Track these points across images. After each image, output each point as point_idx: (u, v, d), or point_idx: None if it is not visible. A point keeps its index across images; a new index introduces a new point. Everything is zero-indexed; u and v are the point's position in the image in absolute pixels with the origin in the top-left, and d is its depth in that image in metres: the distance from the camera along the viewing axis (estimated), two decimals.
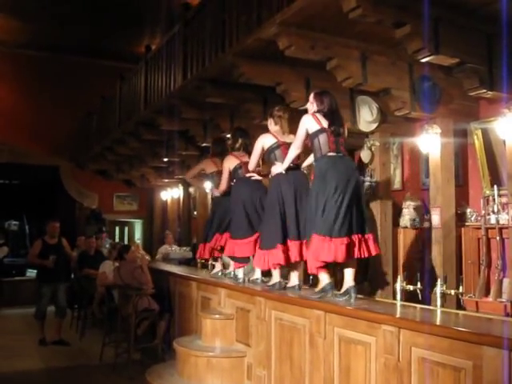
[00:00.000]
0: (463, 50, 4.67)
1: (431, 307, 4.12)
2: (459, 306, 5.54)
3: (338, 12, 4.47)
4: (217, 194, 6.11)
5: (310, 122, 4.36)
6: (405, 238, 6.82)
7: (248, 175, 5.46)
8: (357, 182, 4.28)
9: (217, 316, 5.51)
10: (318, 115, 4.37)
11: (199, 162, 7.28)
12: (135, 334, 6.99)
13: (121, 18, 11.72)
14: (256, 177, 5.42)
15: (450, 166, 5.82)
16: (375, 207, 6.44)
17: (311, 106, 4.46)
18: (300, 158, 4.87)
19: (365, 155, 6.41)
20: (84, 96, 13.83)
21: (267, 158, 5.06)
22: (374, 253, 4.29)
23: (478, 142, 6.03)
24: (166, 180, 12.73)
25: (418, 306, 4.21)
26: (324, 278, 4.38)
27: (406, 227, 6.81)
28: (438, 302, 3.95)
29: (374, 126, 6.24)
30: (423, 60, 4.62)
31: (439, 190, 5.76)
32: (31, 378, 6.85)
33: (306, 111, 4.51)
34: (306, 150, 4.64)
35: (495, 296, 5.57)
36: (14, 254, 14.43)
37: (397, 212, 6.82)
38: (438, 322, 3.49)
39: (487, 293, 5.73)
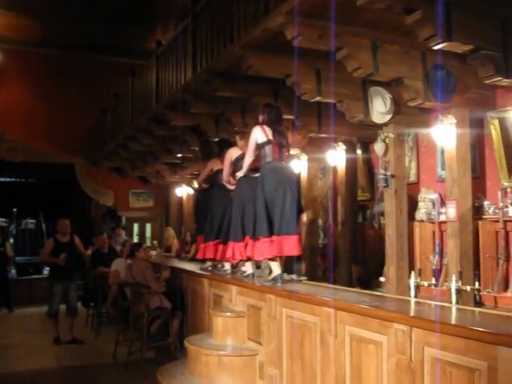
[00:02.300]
0: (477, 36, 4.48)
1: (446, 304, 3.97)
2: (476, 302, 5.37)
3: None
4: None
5: (259, 134, 5.04)
6: (421, 232, 6.68)
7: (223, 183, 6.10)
8: (292, 188, 4.93)
9: (228, 314, 5.42)
10: (265, 127, 5.05)
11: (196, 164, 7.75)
12: (148, 332, 6.94)
13: (132, 15, 11.69)
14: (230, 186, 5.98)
15: (466, 158, 5.63)
16: (390, 201, 6.27)
17: (260, 116, 5.16)
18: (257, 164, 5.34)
19: (379, 147, 6.23)
20: (97, 93, 13.82)
21: (235, 167, 5.80)
22: (296, 252, 4.97)
23: (494, 131, 5.83)
24: (180, 176, 12.64)
25: (433, 302, 4.06)
26: (275, 269, 5.00)
27: (422, 221, 6.66)
28: (454, 299, 3.80)
29: (388, 117, 6.04)
30: (435, 47, 4.43)
31: (455, 182, 5.57)
32: (45, 377, 6.87)
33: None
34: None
35: None
36: (31, 252, 14.50)
37: (412, 205, 6.66)
38: (452, 320, 3.35)
39: (506, 287, 5.57)
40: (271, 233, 4.89)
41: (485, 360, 2.74)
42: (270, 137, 5.02)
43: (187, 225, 13.87)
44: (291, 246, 4.89)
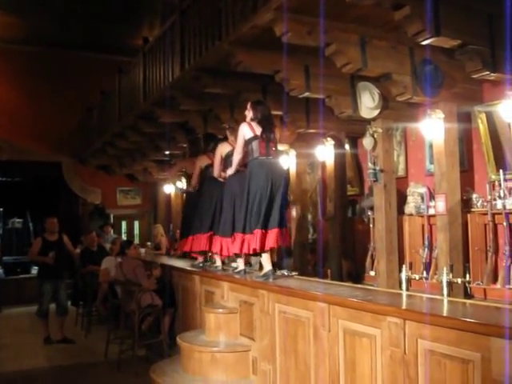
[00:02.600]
0: (465, 32, 4.52)
1: (438, 296, 4.02)
2: (467, 295, 5.44)
3: None
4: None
5: (246, 130, 5.12)
6: (410, 226, 6.73)
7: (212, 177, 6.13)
8: (280, 182, 5.01)
9: (220, 310, 5.44)
10: (252, 123, 5.13)
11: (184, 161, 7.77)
12: (139, 330, 6.92)
13: (118, 11, 11.59)
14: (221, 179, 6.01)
15: (455, 152, 5.67)
16: (379, 195, 6.31)
17: (248, 113, 5.22)
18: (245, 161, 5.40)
19: (367, 142, 6.27)
20: (84, 91, 13.74)
21: (225, 163, 5.86)
22: (283, 244, 5.14)
23: (482, 126, 5.89)
24: (169, 173, 12.61)
25: (424, 295, 4.11)
26: (267, 265, 5.06)
27: (411, 214, 6.71)
28: (445, 291, 3.85)
29: (376, 112, 6.08)
30: (424, 43, 4.47)
31: (444, 176, 5.62)
32: (37, 377, 6.83)
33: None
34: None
35: (503, 283, 5.47)
36: (18, 251, 14.40)
37: (401, 199, 6.70)
38: (444, 313, 3.39)
39: (495, 280, 5.63)
40: (261, 227, 4.92)
41: (478, 351, 2.78)
42: (257, 133, 5.09)
43: (176, 222, 13.82)
44: (281, 238, 4.98)
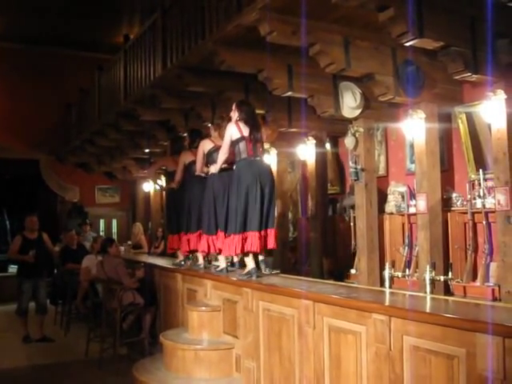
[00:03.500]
0: (447, 33, 4.58)
1: (420, 294, 4.09)
2: (447, 292, 5.53)
3: None
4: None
5: (234, 131, 5.09)
6: (390, 224, 6.81)
7: (196, 174, 6.09)
8: (263, 183, 5.00)
9: (203, 308, 5.45)
10: (240, 123, 5.10)
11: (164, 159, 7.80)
12: (121, 328, 6.90)
13: (97, 8, 11.48)
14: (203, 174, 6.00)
15: (435, 151, 5.76)
16: (360, 194, 6.38)
17: (234, 114, 5.19)
18: (232, 160, 5.39)
19: (349, 141, 6.33)
20: (62, 88, 13.62)
21: (207, 160, 5.87)
22: (271, 247, 5.11)
23: (462, 126, 5.99)
24: (148, 171, 12.57)
25: (407, 292, 4.18)
26: (250, 264, 5.07)
27: (392, 213, 6.79)
28: (428, 289, 3.91)
29: (358, 112, 6.15)
30: (407, 44, 4.53)
31: (425, 176, 5.70)
32: (17, 376, 6.75)
33: None
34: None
35: (482, 280, 5.57)
36: None
37: (382, 198, 6.78)
38: (428, 309, 3.45)
39: (474, 277, 5.73)
40: (246, 228, 4.95)
41: (463, 347, 2.83)
42: (245, 133, 5.08)
43: (155, 220, 13.79)
44: (270, 239, 5.03)
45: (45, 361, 7.34)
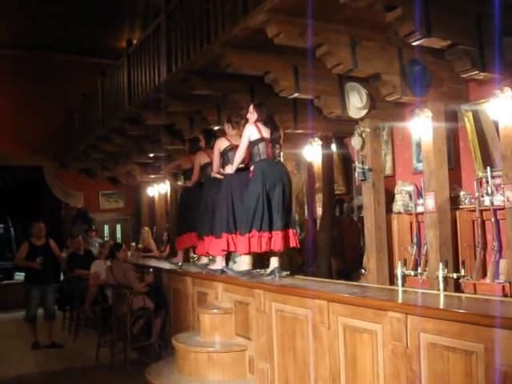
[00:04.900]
0: (455, 32, 4.60)
1: (434, 291, 4.10)
2: (457, 289, 5.54)
3: None
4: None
5: (252, 131, 5.09)
6: (398, 224, 6.83)
7: (213, 175, 5.98)
8: (284, 185, 5.03)
9: (215, 311, 5.45)
10: (259, 124, 5.09)
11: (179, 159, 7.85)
12: (131, 333, 6.91)
13: (98, 14, 11.49)
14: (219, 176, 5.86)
15: (443, 150, 5.78)
16: (368, 194, 6.40)
17: (251, 115, 5.17)
18: (247, 161, 5.39)
19: (356, 142, 6.36)
20: (65, 94, 13.60)
21: (222, 159, 5.78)
22: (292, 245, 5.14)
23: (469, 124, 6.01)
24: (153, 176, 12.58)
25: (420, 290, 4.19)
26: (273, 263, 5.10)
27: (400, 213, 6.81)
28: (441, 286, 3.92)
29: (364, 112, 6.18)
30: (415, 43, 4.54)
31: (433, 174, 5.72)
32: (28, 382, 6.74)
33: None
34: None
35: (492, 277, 5.58)
36: (0, 257, 14.24)
37: (389, 198, 6.79)
38: (444, 306, 3.46)
39: (484, 275, 5.74)
40: (268, 228, 4.94)
41: (481, 342, 2.84)
42: (265, 134, 5.07)
43: (159, 225, 13.82)
44: (292, 239, 5.04)
45: (55, 367, 7.34)
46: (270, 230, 4.95)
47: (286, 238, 5.04)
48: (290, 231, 5.11)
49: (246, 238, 5.00)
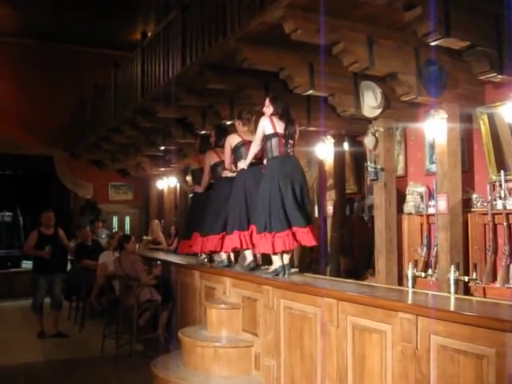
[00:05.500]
0: (474, 33, 4.55)
1: (444, 294, 4.07)
2: (466, 293, 5.51)
3: None
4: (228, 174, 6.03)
5: (267, 125, 5.02)
6: (409, 225, 6.79)
7: (224, 172, 5.97)
8: (297, 181, 4.96)
9: (222, 306, 5.45)
10: (274, 118, 5.03)
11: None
12: (137, 325, 6.92)
13: (113, 5, 11.53)
14: (231, 174, 5.84)
15: (457, 152, 5.73)
16: (379, 194, 6.37)
17: (267, 109, 5.11)
18: (261, 155, 5.39)
19: (369, 141, 6.33)
20: (77, 85, 13.66)
21: (234, 155, 5.69)
22: (311, 243, 4.98)
23: (484, 127, 5.96)
24: (163, 169, 12.58)
25: (431, 292, 4.17)
26: (277, 261, 5.00)
27: (410, 213, 6.77)
28: (452, 289, 3.88)
29: (378, 111, 6.15)
30: (433, 43, 4.50)
31: (446, 176, 5.68)
32: (33, 371, 6.76)
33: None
34: None
35: (503, 282, 5.54)
36: (8, 245, 14.31)
37: (400, 199, 6.76)
38: (455, 309, 3.42)
39: (494, 279, 5.70)
40: (286, 226, 4.85)
41: (493, 346, 2.82)
42: (278, 129, 5.01)
43: (168, 217, 13.83)
44: (305, 237, 4.89)
45: (60, 356, 7.36)
46: (288, 228, 4.84)
47: (305, 235, 4.89)
48: (308, 228, 4.94)
49: (262, 236, 4.89)
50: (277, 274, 4.96)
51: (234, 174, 5.73)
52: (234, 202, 5.51)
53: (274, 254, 4.96)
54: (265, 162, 5.31)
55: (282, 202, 4.87)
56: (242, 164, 5.48)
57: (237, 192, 5.50)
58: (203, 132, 7.99)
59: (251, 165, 5.41)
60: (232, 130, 5.97)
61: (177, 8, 7.56)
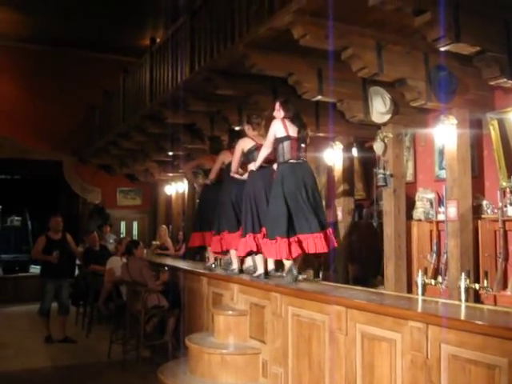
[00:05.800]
0: (484, 38, 4.52)
1: (455, 302, 4.02)
2: (477, 300, 5.45)
3: None
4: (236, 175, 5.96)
5: (279, 128, 4.97)
6: (418, 231, 6.73)
7: (231, 175, 5.87)
8: (308, 186, 4.89)
9: (230, 312, 5.42)
10: (286, 121, 4.99)
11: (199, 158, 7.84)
12: (144, 331, 6.89)
13: (122, 11, 11.55)
14: (238, 176, 5.80)
15: (467, 158, 5.68)
16: (388, 200, 6.32)
17: (278, 113, 5.05)
18: (269, 159, 5.32)
19: (378, 147, 6.28)
20: (86, 90, 13.65)
21: (247, 159, 5.63)
22: (322, 250, 4.84)
23: (494, 132, 5.90)
24: (171, 174, 12.59)
25: (441, 300, 4.12)
26: (288, 268, 4.93)
27: (420, 220, 6.71)
28: (463, 297, 3.83)
29: (387, 117, 6.11)
30: (443, 48, 4.47)
31: (456, 182, 5.63)
32: (40, 376, 6.76)
33: None
34: None
35: None
36: (16, 249, 14.34)
37: (409, 205, 6.70)
38: (466, 318, 3.38)
39: (505, 286, 5.63)
40: (292, 233, 4.81)
41: (505, 356, 2.78)
42: (291, 133, 4.96)
43: (176, 223, 13.83)
44: (318, 242, 4.80)
45: (68, 362, 7.35)
46: (299, 233, 4.81)
47: (318, 240, 4.80)
48: (324, 233, 4.87)
49: (273, 243, 4.83)
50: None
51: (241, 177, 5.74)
52: (246, 204, 5.44)
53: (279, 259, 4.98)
54: (274, 166, 5.25)
55: (288, 209, 4.81)
56: (252, 166, 5.45)
57: (249, 196, 5.43)
58: (213, 135, 7.94)
59: (261, 167, 5.36)
60: (244, 134, 5.90)
61: (185, 14, 7.56)
